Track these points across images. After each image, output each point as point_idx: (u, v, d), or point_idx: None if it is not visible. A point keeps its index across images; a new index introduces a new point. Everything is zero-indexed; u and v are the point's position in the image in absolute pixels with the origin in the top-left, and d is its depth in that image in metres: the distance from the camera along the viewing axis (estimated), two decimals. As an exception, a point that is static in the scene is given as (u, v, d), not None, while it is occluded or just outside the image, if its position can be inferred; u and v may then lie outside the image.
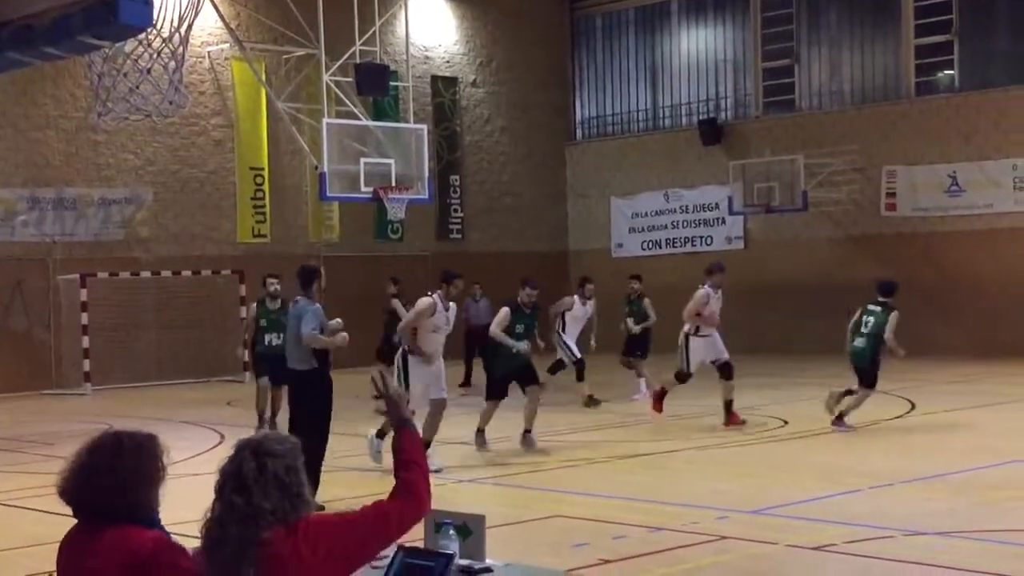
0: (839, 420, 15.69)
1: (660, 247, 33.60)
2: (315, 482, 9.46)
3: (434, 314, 13.45)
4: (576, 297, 20.06)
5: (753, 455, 14.29)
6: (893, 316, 15.77)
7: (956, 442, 14.87)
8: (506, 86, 34.23)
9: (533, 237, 34.09)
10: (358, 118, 22.29)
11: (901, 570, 8.60)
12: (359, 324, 16.12)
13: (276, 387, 16.23)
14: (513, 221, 33.93)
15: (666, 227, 33.57)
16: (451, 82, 33.06)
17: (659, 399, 17.24)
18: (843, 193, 29.69)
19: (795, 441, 15.33)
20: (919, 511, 10.44)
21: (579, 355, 19.52)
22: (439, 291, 13.67)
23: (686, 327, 16.87)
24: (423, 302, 13.57)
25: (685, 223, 33.23)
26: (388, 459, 5.08)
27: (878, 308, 15.96)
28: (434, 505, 4.28)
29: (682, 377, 16.96)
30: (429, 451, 12.25)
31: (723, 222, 32.22)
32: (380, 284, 23.48)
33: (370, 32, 22.53)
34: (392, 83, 24.15)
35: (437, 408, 13.54)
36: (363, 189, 21.14)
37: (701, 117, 33.14)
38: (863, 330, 15.87)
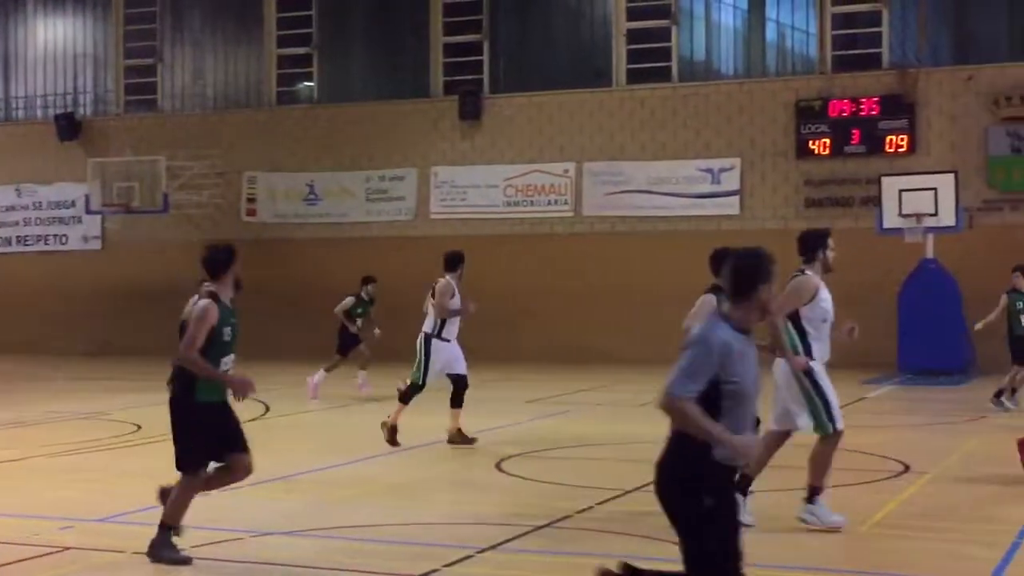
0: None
1: (11, 244, 31.79)
2: None
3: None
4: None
5: (103, 461, 13.79)
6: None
7: (306, 443, 15.24)
8: None
9: None
10: None
11: (249, 571, 8.59)
12: None
13: None
14: None
15: (18, 224, 31.84)
16: None
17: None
18: (204, 197, 29.67)
19: (148, 446, 14.97)
20: (268, 512, 10.52)
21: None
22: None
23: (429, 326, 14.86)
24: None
25: (39, 220, 31.69)
26: None
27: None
28: None
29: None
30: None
31: (80, 221, 31.09)
32: None
33: None
34: None
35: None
36: None
37: (58, 111, 31.77)
38: None
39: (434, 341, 14.61)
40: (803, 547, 9.22)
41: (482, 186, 28.94)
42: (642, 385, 21.38)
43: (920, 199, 22.66)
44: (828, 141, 26.24)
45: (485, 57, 29.39)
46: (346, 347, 21.13)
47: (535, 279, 27.88)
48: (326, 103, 30.27)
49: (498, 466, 13.12)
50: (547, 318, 27.63)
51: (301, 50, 30.48)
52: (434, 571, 8.42)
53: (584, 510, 10.59)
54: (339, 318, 21.03)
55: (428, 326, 14.69)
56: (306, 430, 16.65)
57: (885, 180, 23.29)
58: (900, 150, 25.69)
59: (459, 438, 14.59)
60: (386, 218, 29.53)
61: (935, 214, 22.53)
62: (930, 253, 22.89)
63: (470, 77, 29.30)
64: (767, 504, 11.05)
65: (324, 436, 15.90)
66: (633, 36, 28.25)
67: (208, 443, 8.71)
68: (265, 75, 30.85)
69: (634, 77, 28.19)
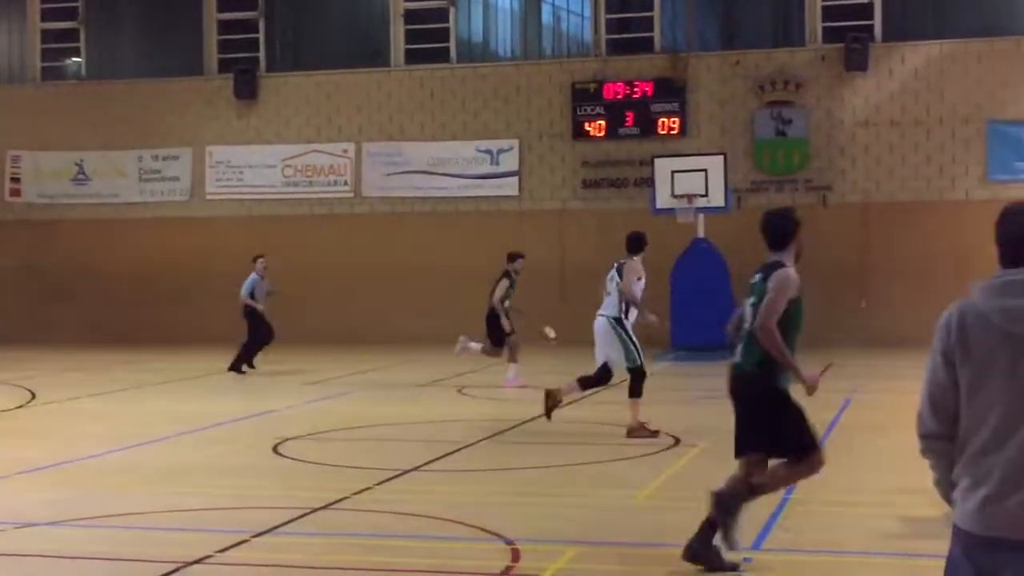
0: None
1: None
2: None
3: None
4: None
5: None
6: None
7: (77, 430, 14.76)
8: None
9: None
10: None
11: (18, 563, 8.30)
12: None
13: None
14: None
15: None
16: None
17: None
18: (-37, 176, 28.40)
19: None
20: (34, 502, 10.17)
21: None
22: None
23: None
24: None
25: None
26: None
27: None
28: None
29: None
30: None
31: None
32: None
33: None
34: None
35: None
36: None
37: None
38: None
39: (625, 323, 13.63)
40: (573, 520, 9.40)
41: (259, 166, 28.49)
42: (424, 366, 21.47)
43: (691, 180, 23.29)
44: (603, 123, 26.74)
45: (261, 35, 28.91)
46: (500, 337, 18.65)
47: (316, 260, 27.63)
48: (94, 79, 29.31)
49: (275, 449, 12.98)
50: (329, 299, 27.43)
51: (66, 24, 29.41)
52: (207, 557, 8.29)
53: (361, 491, 10.56)
54: (495, 307, 18.49)
55: (613, 310, 13.63)
56: (76, 417, 16.12)
57: (658, 161, 23.86)
58: (672, 132, 26.38)
59: (643, 431, 13.42)
60: (160, 199, 28.80)
61: (706, 195, 23.19)
62: (701, 233, 23.57)
63: (246, 55, 28.79)
64: (529, 479, 11.24)
65: (96, 423, 15.42)
66: (411, 16, 28.21)
67: None
68: (28, 49, 29.68)
69: (412, 57, 28.16)
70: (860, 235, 25.17)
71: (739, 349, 7.96)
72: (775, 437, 7.84)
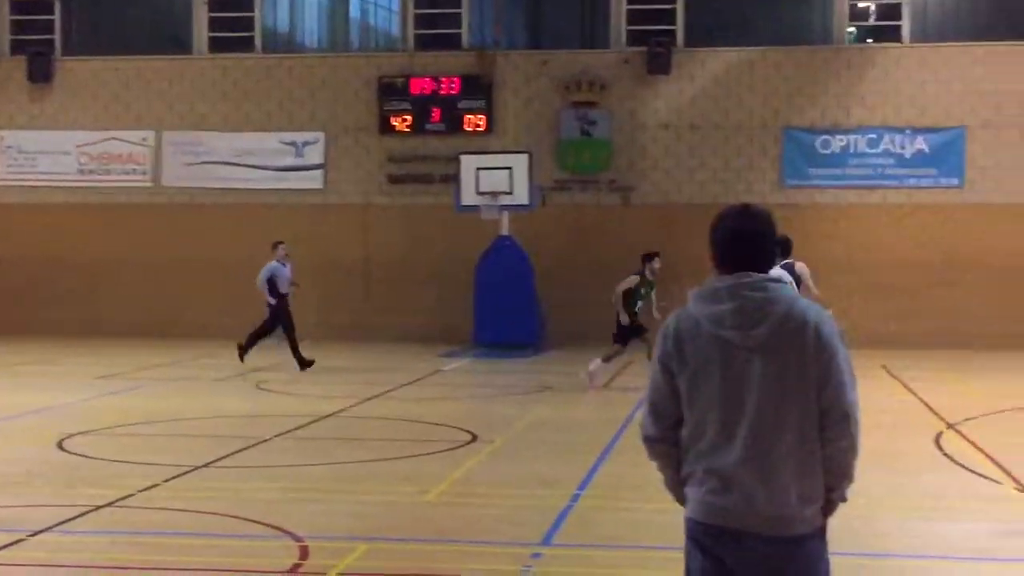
0: None
1: None
2: None
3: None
4: None
5: None
6: None
7: None
8: None
9: None
10: None
11: None
12: None
13: None
14: None
15: None
16: None
17: None
18: None
19: None
20: None
21: None
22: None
23: None
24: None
25: None
26: None
27: None
28: None
29: None
30: None
31: None
32: None
33: None
34: None
35: None
36: None
37: None
38: None
39: None
40: (364, 517, 9.31)
41: (54, 152, 27.49)
42: (221, 359, 21.02)
43: (496, 178, 23.38)
44: (410, 118, 26.63)
45: (57, 16, 27.90)
46: (624, 334, 17.60)
47: (112, 250, 26.82)
48: None
49: (60, 445, 12.52)
50: (126, 290, 26.65)
51: None
52: (-21, 558, 7.92)
53: (149, 488, 10.26)
54: (615, 302, 17.56)
55: None
56: None
57: (464, 158, 23.87)
58: (479, 129, 26.44)
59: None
60: (-53, 184, 27.56)
61: (510, 192, 23.31)
62: (505, 230, 23.69)
63: (40, 37, 27.75)
64: (322, 475, 11.11)
65: None
66: (215, 3, 27.59)
67: None
68: None
69: (216, 46, 27.56)
70: (659, 236, 25.62)
71: None
72: None
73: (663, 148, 26.14)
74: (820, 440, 4.13)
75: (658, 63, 25.82)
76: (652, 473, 10.72)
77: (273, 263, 19.92)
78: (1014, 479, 10.85)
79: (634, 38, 26.37)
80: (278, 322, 19.80)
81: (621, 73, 26.25)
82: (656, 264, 17.47)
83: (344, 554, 8.19)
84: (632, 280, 17.41)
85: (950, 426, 14.03)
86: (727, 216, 4.36)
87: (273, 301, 19.71)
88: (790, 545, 4.08)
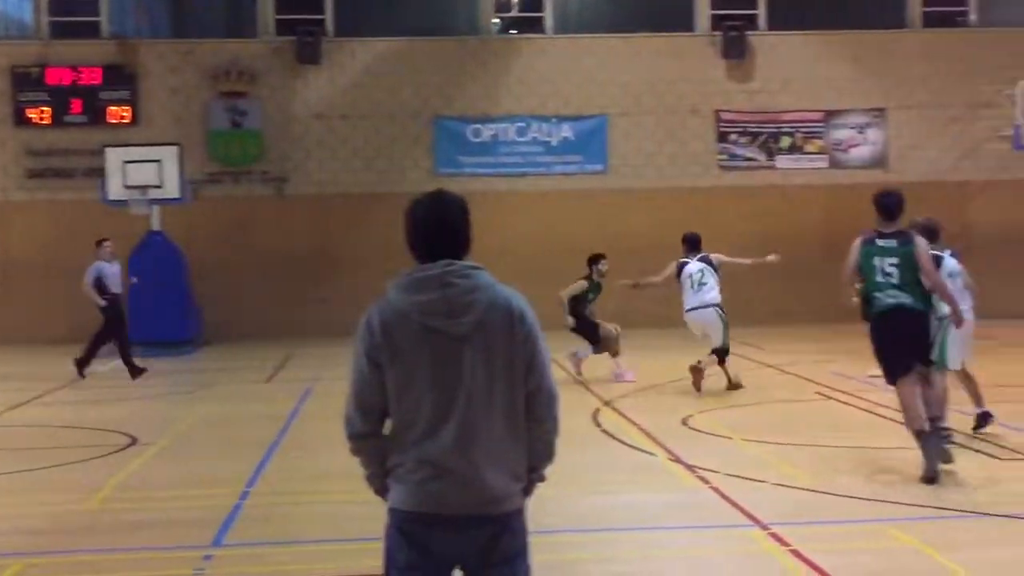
0: None
1: None
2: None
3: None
4: None
5: None
6: None
7: None
8: None
9: None
10: None
11: None
12: None
13: None
14: None
15: None
16: None
17: None
18: None
19: None
20: None
21: None
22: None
23: None
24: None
25: None
26: None
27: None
28: None
29: None
30: None
31: None
32: None
33: None
34: None
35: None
36: None
37: None
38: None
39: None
40: (19, 533, 8.79)
41: None
42: None
43: (145, 171, 22.57)
44: (48, 110, 25.36)
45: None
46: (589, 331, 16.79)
47: None
48: None
49: None
50: None
51: None
52: None
53: None
54: (563, 305, 16.64)
55: (718, 298, 15.50)
56: None
57: (109, 151, 22.93)
58: (124, 121, 25.45)
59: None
60: None
61: (160, 186, 22.57)
62: (156, 225, 22.92)
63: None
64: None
65: None
66: None
67: None
68: None
69: None
70: (317, 227, 25.50)
71: (899, 293, 9.82)
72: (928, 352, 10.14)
73: (316, 139, 25.97)
74: (527, 421, 4.23)
75: (308, 53, 25.63)
76: (324, 466, 10.65)
77: (98, 263, 18.67)
78: (667, 450, 11.39)
79: (283, 27, 26.05)
80: (115, 324, 18.55)
81: (271, 63, 25.90)
82: (603, 266, 17.05)
83: (-1, 572, 7.70)
84: (580, 286, 16.93)
85: (606, 403, 14.59)
86: (421, 204, 4.35)
87: (103, 302, 18.47)
88: (502, 523, 4.19)
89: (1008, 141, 25.47)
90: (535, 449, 4.28)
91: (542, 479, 4.40)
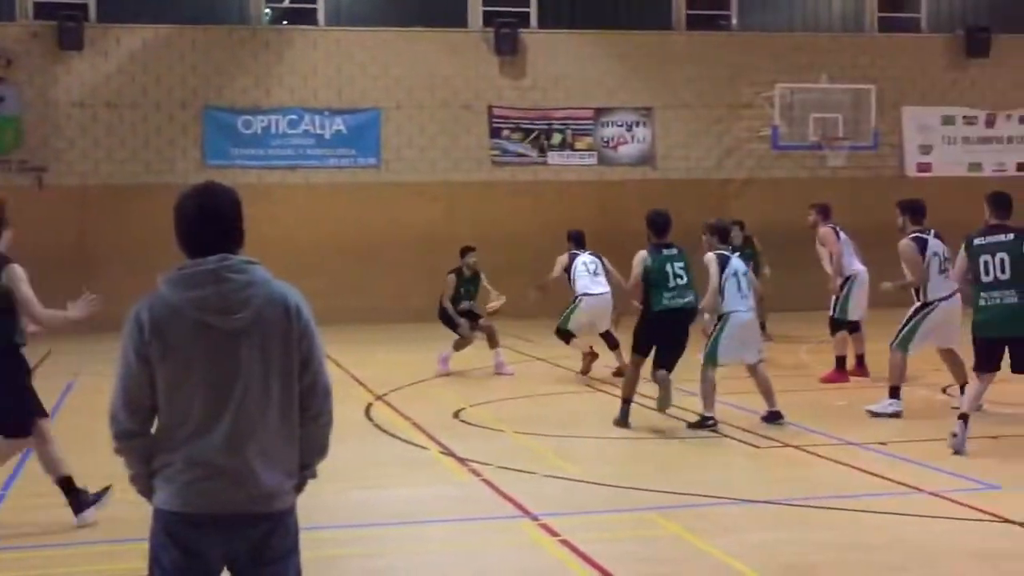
0: None
1: None
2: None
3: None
4: None
5: None
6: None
7: None
8: None
9: None
10: None
11: None
12: None
13: None
14: None
15: None
16: None
17: None
18: None
19: None
20: None
21: None
22: None
23: None
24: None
25: None
26: None
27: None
28: None
29: None
30: None
31: None
32: None
33: None
34: None
35: None
36: None
37: None
38: None
39: None
40: None
41: None
42: None
43: None
44: None
45: None
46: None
47: None
48: None
49: None
50: None
51: None
52: None
53: None
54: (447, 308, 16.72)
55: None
56: None
57: None
58: None
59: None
60: None
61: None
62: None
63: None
64: None
65: None
66: None
67: None
68: None
69: None
70: (79, 218, 24.64)
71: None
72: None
73: (79, 127, 25.08)
74: (301, 417, 4.18)
75: (70, 38, 24.70)
76: (91, 459, 10.28)
77: None
78: (439, 443, 11.44)
79: (43, 11, 25.06)
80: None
81: (30, 47, 24.87)
82: (471, 259, 16.69)
83: None
84: (451, 281, 16.67)
85: (378, 397, 14.57)
86: (190, 197, 4.24)
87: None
88: (274, 521, 4.13)
89: (767, 141, 26.60)
90: (309, 445, 4.24)
91: (314, 475, 4.36)
